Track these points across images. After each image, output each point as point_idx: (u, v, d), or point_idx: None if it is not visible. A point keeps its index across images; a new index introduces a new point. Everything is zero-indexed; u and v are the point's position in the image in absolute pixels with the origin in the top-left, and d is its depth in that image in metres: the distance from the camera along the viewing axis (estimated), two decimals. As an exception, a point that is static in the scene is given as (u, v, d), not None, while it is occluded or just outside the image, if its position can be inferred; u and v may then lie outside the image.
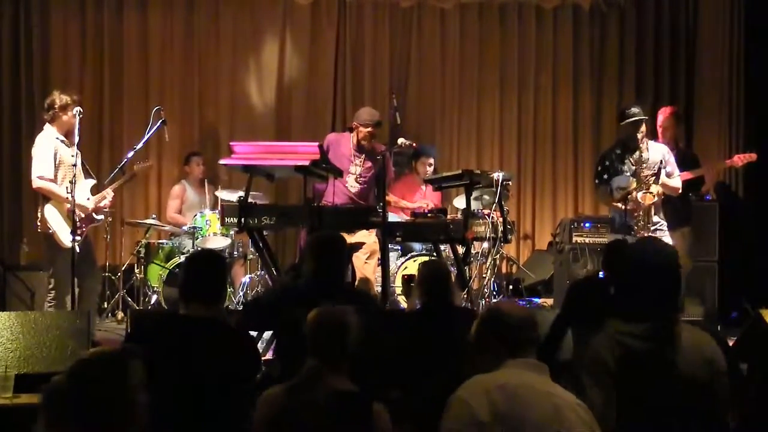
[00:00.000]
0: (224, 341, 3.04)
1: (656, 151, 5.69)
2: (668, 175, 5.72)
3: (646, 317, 2.67)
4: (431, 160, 7.51)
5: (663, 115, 6.62)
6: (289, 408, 2.61)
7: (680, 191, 5.95)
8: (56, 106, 5.52)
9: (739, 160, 6.59)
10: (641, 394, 2.60)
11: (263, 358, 4.88)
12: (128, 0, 8.15)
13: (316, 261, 3.80)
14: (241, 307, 7.06)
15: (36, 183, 5.52)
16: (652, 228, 5.63)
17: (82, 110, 5.53)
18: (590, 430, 2.36)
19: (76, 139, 5.50)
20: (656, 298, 2.70)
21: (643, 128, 5.71)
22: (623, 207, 5.58)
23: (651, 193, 5.56)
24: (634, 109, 5.76)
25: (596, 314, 4.07)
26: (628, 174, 5.65)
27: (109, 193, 5.77)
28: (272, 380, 3.14)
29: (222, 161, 6.02)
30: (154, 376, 2.72)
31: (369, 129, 6.05)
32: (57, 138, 5.53)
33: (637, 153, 5.65)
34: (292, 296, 3.73)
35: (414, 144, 6.18)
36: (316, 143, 5.52)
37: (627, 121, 5.69)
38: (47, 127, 5.59)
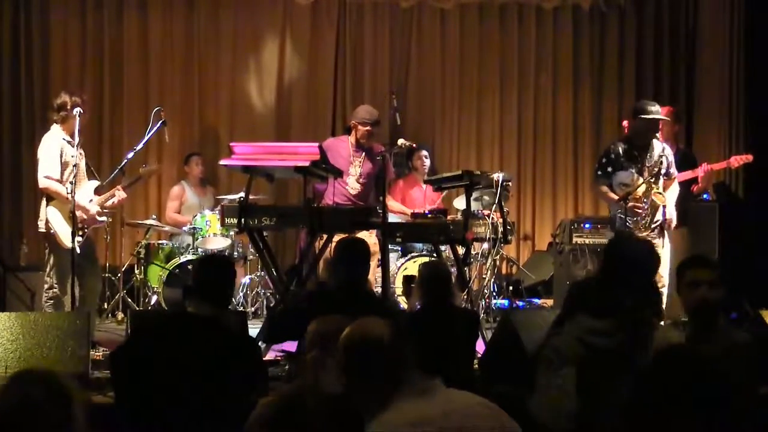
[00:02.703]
0: (228, 341, 3.10)
1: (662, 153, 5.68)
2: (669, 176, 5.72)
3: (612, 312, 2.67)
4: (425, 153, 7.51)
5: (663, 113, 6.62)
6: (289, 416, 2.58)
7: (678, 191, 5.95)
8: (69, 106, 5.51)
9: (736, 161, 6.59)
10: (601, 390, 2.58)
11: (269, 359, 4.92)
12: (128, 0, 8.15)
13: (348, 266, 3.87)
14: (241, 308, 7.08)
15: (42, 183, 5.52)
16: (653, 227, 5.63)
17: (82, 110, 5.53)
18: (500, 423, 2.24)
19: (77, 139, 5.50)
20: (624, 294, 2.69)
21: (659, 129, 5.68)
22: (623, 204, 5.56)
23: (661, 193, 5.55)
24: (653, 108, 5.71)
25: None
26: (633, 171, 5.64)
27: (119, 191, 5.74)
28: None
29: (222, 162, 6.03)
30: (156, 370, 2.75)
31: (367, 128, 6.04)
32: (64, 138, 5.53)
33: (646, 152, 5.62)
34: (322, 302, 3.73)
35: (414, 144, 6.18)
36: (316, 144, 5.53)
37: (643, 117, 5.64)
38: (54, 127, 5.59)
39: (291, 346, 4.57)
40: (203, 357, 2.97)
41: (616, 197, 5.63)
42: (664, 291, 5.57)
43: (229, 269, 3.32)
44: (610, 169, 5.69)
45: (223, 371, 2.95)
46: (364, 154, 6.16)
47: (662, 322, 5.10)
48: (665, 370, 1.93)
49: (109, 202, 5.75)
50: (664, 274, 5.60)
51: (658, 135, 5.72)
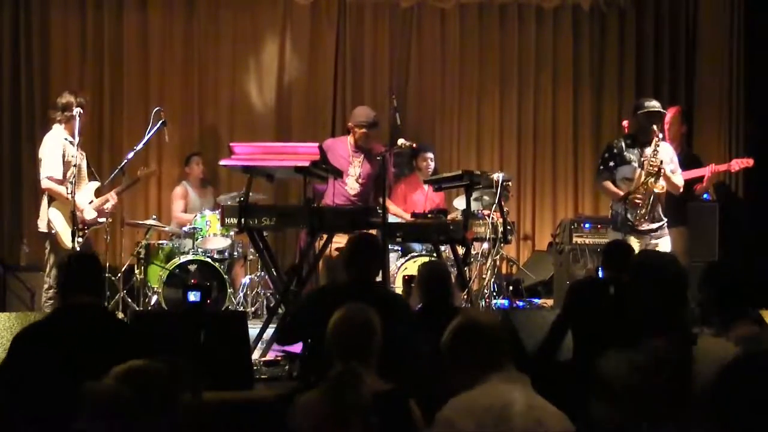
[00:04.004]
0: (108, 323, 3.39)
1: (663, 150, 5.68)
2: (671, 173, 5.73)
3: (658, 335, 2.65)
4: (431, 155, 7.50)
5: (669, 113, 6.62)
6: (333, 412, 2.59)
7: (681, 190, 5.95)
8: (72, 107, 5.51)
9: (737, 164, 6.61)
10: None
11: (269, 359, 4.91)
12: (128, 0, 8.15)
13: (360, 262, 3.91)
14: (241, 308, 7.07)
15: (45, 183, 5.53)
16: (655, 226, 5.63)
17: (82, 110, 5.53)
18: None
19: (77, 139, 5.50)
20: (664, 317, 2.68)
21: (660, 122, 5.68)
22: (626, 200, 5.56)
23: (659, 183, 5.55)
24: (654, 102, 5.73)
25: (596, 315, 4.09)
26: (636, 165, 5.64)
27: (112, 197, 5.76)
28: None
29: (222, 162, 6.02)
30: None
31: (363, 130, 6.04)
32: (66, 139, 5.53)
33: (649, 148, 5.62)
34: (334, 297, 3.73)
35: (414, 145, 6.17)
36: (316, 144, 5.52)
37: (643, 111, 5.66)
38: (56, 127, 5.59)
39: (292, 346, 4.58)
40: (87, 338, 3.16)
41: (620, 192, 5.64)
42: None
43: (97, 262, 3.57)
44: (612, 164, 5.71)
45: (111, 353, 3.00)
46: (363, 154, 6.15)
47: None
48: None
49: (106, 206, 5.76)
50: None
51: (659, 132, 5.71)
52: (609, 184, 5.76)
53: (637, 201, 5.58)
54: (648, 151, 5.62)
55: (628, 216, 5.58)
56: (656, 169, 5.55)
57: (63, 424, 2.27)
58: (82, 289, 3.36)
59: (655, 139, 5.61)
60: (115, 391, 2.03)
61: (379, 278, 6.03)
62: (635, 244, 5.56)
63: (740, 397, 1.96)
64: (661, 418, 2.55)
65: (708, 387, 2.23)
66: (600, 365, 2.70)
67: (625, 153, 5.68)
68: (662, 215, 5.71)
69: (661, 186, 5.57)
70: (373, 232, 5.78)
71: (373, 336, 2.84)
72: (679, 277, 2.82)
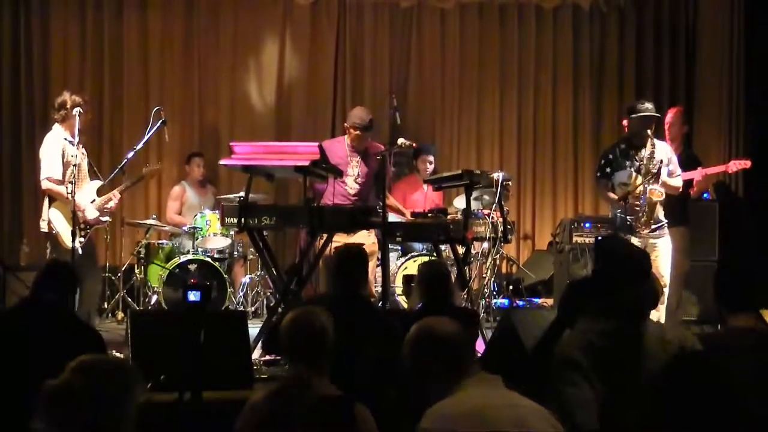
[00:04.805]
0: (67, 322, 3.55)
1: (660, 150, 5.68)
2: (670, 175, 5.72)
3: (616, 315, 2.68)
4: (431, 158, 7.50)
5: (671, 113, 6.62)
6: (276, 414, 2.62)
7: (680, 190, 5.96)
8: (68, 105, 5.51)
9: (735, 166, 6.61)
10: (614, 391, 2.59)
11: (269, 358, 4.91)
12: (128, 0, 8.15)
13: (345, 276, 3.92)
14: (241, 308, 7.08)
15: (44, 184, 5.52)
16: (654, 227, 5.63)
17: (82, 110, 5.53)
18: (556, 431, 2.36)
19: (77, 138, 5.50)
20: (625, 295, 2.72)
21: (653, 125, 5.69)
22: (623, 203, 5.57)
23: (657, 189, 5.55)
24: (647, 105, 5.73)
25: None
26: (632, 170, 5.65)
27: (115, 195, 5.76)
28: None
29: (222, 161, 6.03)
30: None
31: (357, 132, 6.03)
32: (65, 138, 5.53)
33: (643, 150, 5.63)
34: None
35: (414, 144, 6.17)
36: (316, 143, 5.52)
37: (636, 115, 5.67)
38: (56, 127, 5.59)
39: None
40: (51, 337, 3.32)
41: (616, 197, 5.64)
42: (666, 291, 5.58)
43: (71, 271, 3.86)
44: (609, 170, 5.72)
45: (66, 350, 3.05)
46: (360, 154, 6.15)
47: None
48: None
49: (108, 205, 5.76)
50: (665, 273, 5.61)
51: (652, 133, 5.71)
52: (607, 190, 5.78)
53: (636, 208, 5.57)
54: (643, 153, 5.63)
55: (628, 220, 5.58)
56: (655, 170, 5.56)
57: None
58: (48, 288, 3.58)
59: (649, 141, 5.61)
60: (68, 384, 2.02)
61: (378, 278, 6.09)
62: (635, 243, 5.56)
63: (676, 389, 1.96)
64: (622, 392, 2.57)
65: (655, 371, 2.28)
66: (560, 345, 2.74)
67: (621, 159, 5.69)
68: (662, 217, 5.70)
69: (659, 194, 5.56)
70: (372, 231, 5.83)
71: (324, 340, 2.82)
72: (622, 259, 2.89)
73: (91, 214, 5.65)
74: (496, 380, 2.44)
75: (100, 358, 2.14)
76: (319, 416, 2.53)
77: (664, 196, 5.61)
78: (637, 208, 5.57)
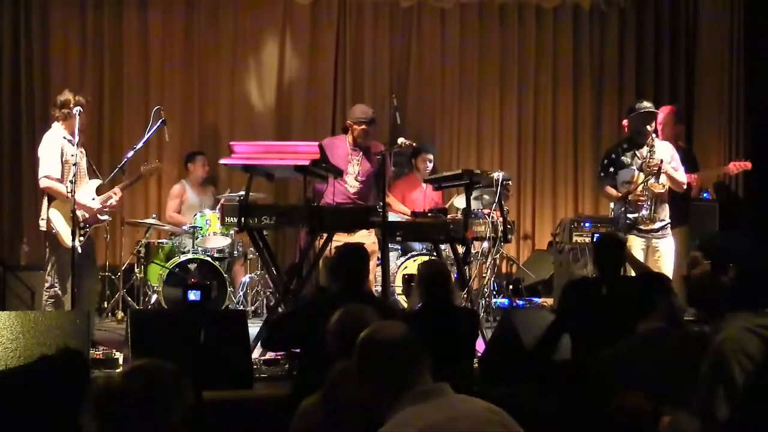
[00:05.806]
0: None
1: (662, 149, 5.69)
2: (674, 170, 5.73)
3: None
4: (431, 157, 7.50)
5: (663, 113, 6.62)
6: (332, 413, 2.58)
7: (685, 187, 5.96)
8: (71, 105, 5.51)
9: (735, 167, 6.60)
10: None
11: (269, 358, 4.92)
12: (128, 0, 8.15)
13: (348, 272, 3.92)
14: (240, 307, 7.08)
15: (43, 183, 5.52)
16: (658, 225, 5.64)
17: (81, 109, 5.53)
18: (506, 429, 2.21)
19: (77, 138, 5.50)
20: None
21: (653, 122, 5.71)
22: (626, 201, 5.57)
23: (660, 183, 5.56)
24: (646, 103, 5.77)
25: (590, 314, 4.10)
26: (634, 168, 5.66)
27: (117, 192, 5.76)
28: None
29: (222, 161, 6.03)
30: None
31: (363, 126, 6.03)
32: (64, 137, 5.53)
33: (645, 148, 5.65)
34: (323, 307, 3.74)
35: (414, 144, 6.17)
36: (316, 143, 5.52)
37: (636, 113, 5.70)
38: (55, 125, 5.58)
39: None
40: None
41: (620, 194, 5.66)
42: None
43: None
44: (612, 170, 5.74)
45: None
46: (361, 153, 6.15)
47: None
48: None
49: (109, 202, 5.75)
50: (669, 273, 5.61)
51: (652, 130, 5.72)
52: (610, 189, 5.78)
53: (640, 202, 5.58)
54: (644, 151, 5.64)
55: (629, 216, 5.58)
56: (655, 168, 5.56)
57: None
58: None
59: (650, 139, 5.63)
60: (122, 387, 2.03)
61: (378, 278, 6.09)
62: (637, 243, 5.57)
63: None
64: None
65: None
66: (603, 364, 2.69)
67: (623, 157, 5.71)
68: (666, 216, 5.71)
69: (661, 185, 5.58)
70: (372, 231, 5.83)
71: None
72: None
73: (94, 205, 5.64)
74: (442, 389, 2.22)
75: (153, 362, 2.14)
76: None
77: (666, 188, 5.62)
78: (641, 203, 5.59)
